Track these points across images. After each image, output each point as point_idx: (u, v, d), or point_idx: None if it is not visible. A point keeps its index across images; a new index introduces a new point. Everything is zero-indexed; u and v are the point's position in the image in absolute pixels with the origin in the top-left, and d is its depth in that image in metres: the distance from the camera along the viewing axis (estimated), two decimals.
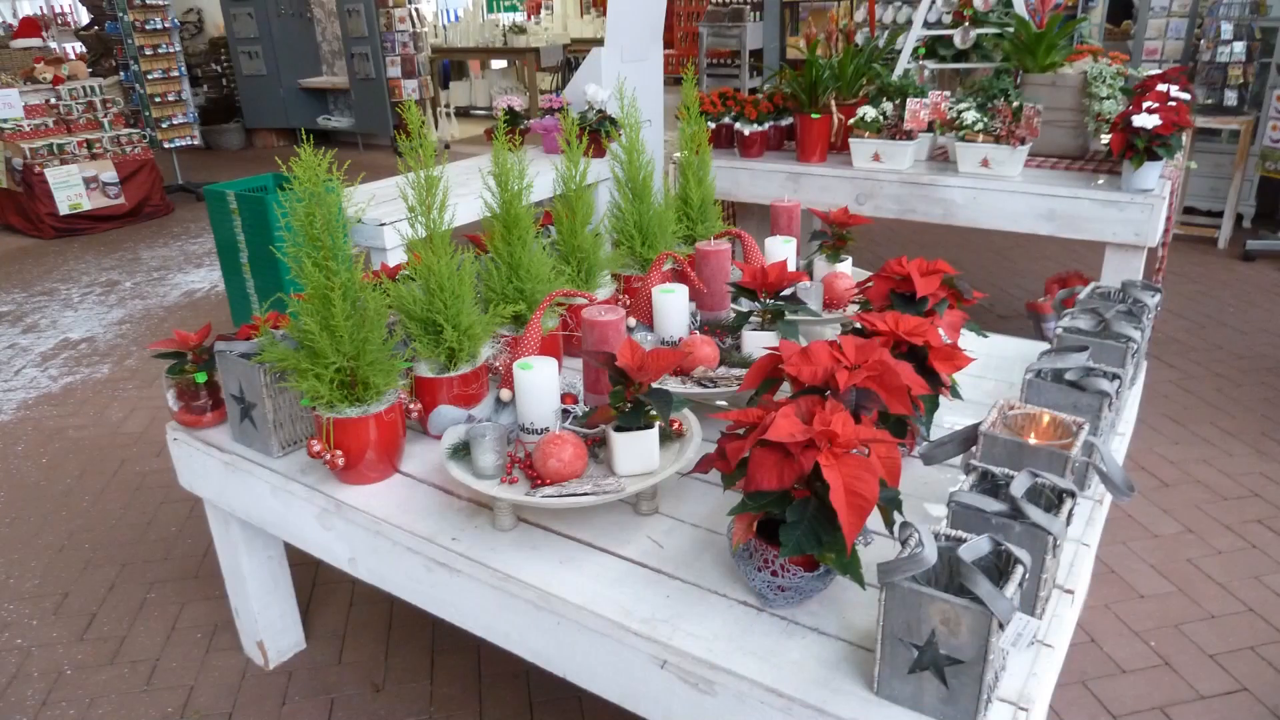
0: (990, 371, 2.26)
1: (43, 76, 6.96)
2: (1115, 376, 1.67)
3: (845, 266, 2.50)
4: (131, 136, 7.26)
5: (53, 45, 10.84)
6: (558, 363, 1.77)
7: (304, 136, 1.99)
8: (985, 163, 3.58)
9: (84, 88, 7.08)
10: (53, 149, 6.81)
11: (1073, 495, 1.33)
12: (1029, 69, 3.86)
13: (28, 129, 6.80)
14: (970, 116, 3.58)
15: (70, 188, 6.84)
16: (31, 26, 10.65)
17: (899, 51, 4.49)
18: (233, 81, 10.25)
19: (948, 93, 3.78)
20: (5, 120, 6.72)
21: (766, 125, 4.10)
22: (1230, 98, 5.58)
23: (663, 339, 2.11)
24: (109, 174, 7.03)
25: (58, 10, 13.92)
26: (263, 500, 1.96)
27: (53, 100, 6.95)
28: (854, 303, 2.36)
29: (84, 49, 10.65)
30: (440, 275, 1.87)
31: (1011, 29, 4.07)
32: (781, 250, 2.39)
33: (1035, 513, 1.27)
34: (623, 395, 1.63)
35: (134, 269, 6.07)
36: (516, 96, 5.29)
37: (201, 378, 2.02)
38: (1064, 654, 1.41)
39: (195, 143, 8.27)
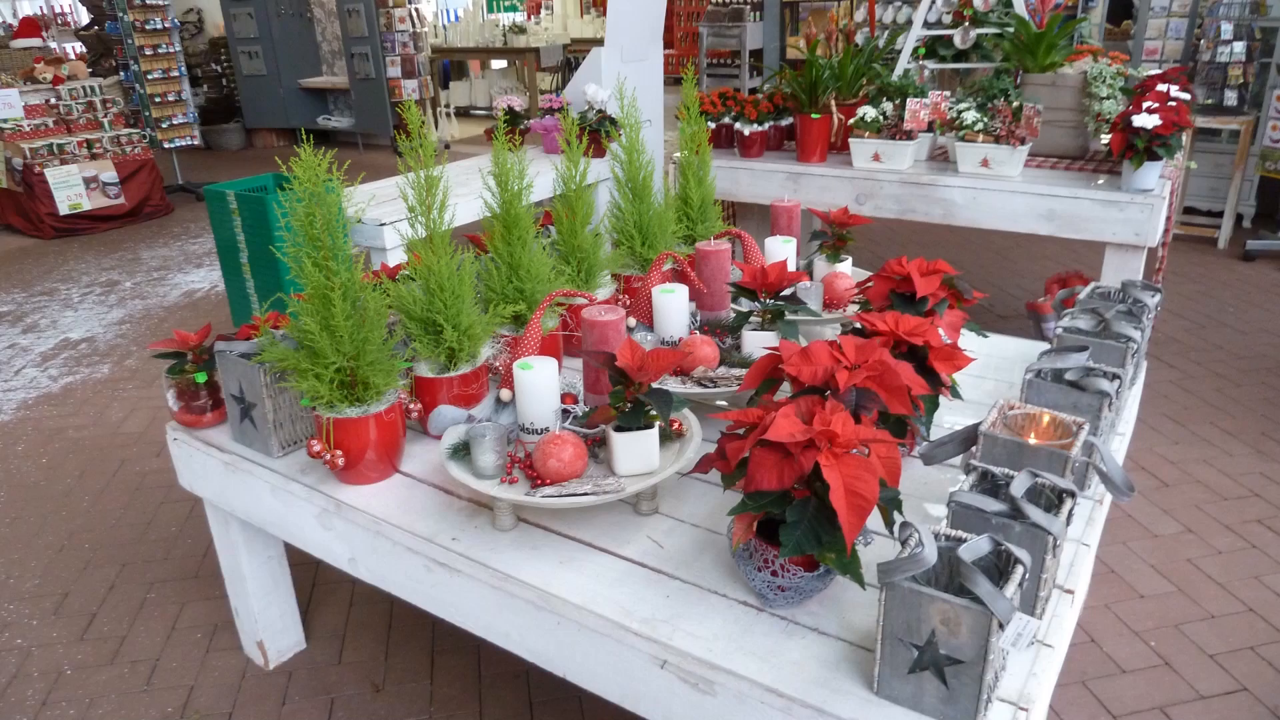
0: (990, 371, 2.26)
1: (43, 76, 6.96)
2: (1115, 376, 1.67)
3: (845, 266, 2.50)
4: (131, 136, 7.26)
5: (53, 45, 10.84)
6: (558, 363, 1.77)
7: (304, 136, 1.99)
8: (985, 163, 3.58)
9: (84, 88, 7.07)
10: (53, 149, 6.81)
11: (1073, 495, 1.33)
12: (1029, 69, 3.86)
13: (28, 129, 6.79)
14: (970, 116, 3.58)
15: (70, 188, 6.84)
16: (31, 26, 10.65)
17: (899, 51, 4.49)
18: (233, 81, 10.25)
19: (948, 93, 3.79)
20: (5, 120, 6.72)
21: (766, 125, 4.10)
22: (1230, 98, 5.58)
23: (663, 339, 2.11)
24: (109, 174, 7.03)
25: (58, 10, 13.92)
26: (263, 500, 1.96)
27: (53, 100, 6.95)
28: (854, 303, 2.36)
29: (84, 49, 10.65)
30: (440, 275, 1.87)
31: (1011, 29, 4.07)
32: (781, 250, 2.39)
33: (1035, 513, 1.27)
34: (623, 395, 1.63)
35: (134, 269, 6.07)
36: (516, 96, 5.29)
37: (201, 378, 2.02)
38: (1064, 654, 1.41)
39: (195, 143, 8.27)
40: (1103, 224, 3.35)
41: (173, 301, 5.42)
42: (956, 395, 1.79)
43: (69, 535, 3.08)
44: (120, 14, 7.75)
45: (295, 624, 2.47)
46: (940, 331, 1.68)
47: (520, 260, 2.08)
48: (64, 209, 6.83)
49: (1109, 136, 3.36)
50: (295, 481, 1.86)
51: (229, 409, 2.00)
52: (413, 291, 1.91)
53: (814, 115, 3.89)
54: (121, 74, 8.30)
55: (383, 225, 3.46)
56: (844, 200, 3.84)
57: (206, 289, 5.61)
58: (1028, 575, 1.20)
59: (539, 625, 1.51)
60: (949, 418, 2.01)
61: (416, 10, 9.03)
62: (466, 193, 3.74)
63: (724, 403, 2.00)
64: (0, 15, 13.96)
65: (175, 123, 8.04)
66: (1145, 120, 3.13)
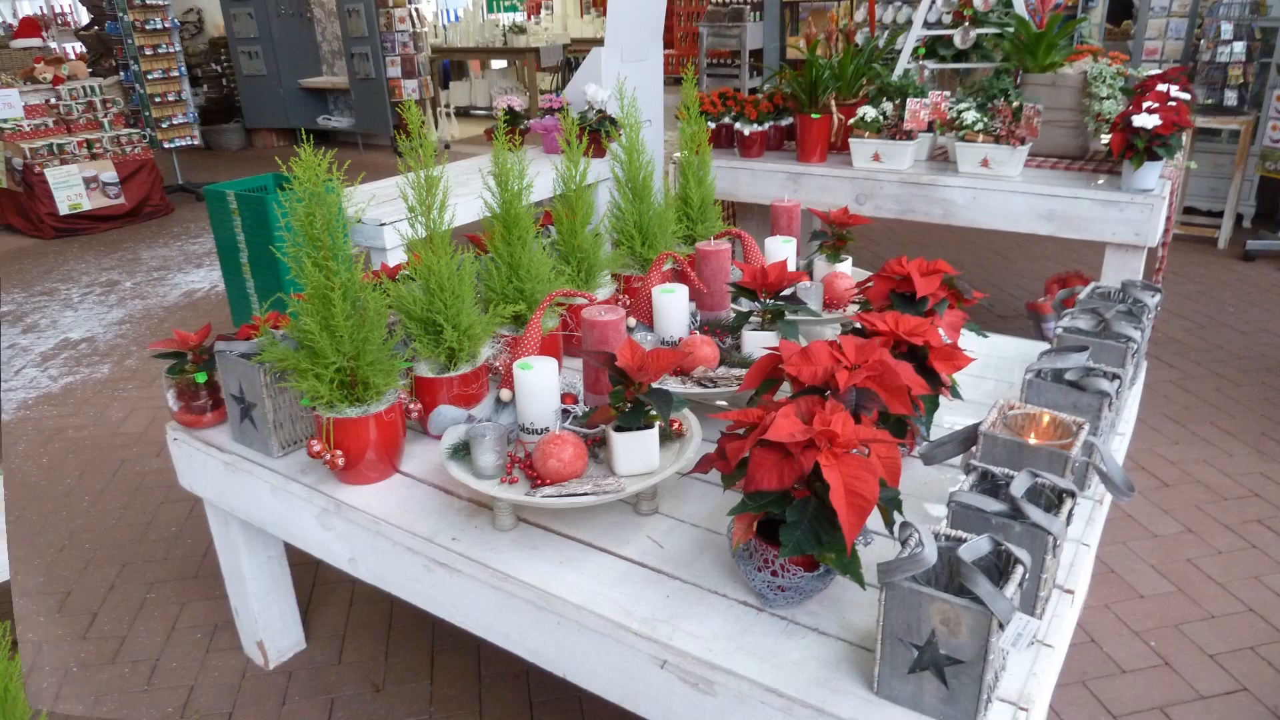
0: (990, 371, 2.26)
1: (43, 76, 6.96)
2: (1115, 376, 1.67)
3: (845, 266, 2.50)
4: (131, 136, 7.26)
5: (53, 45, 10.84)
6: (558, 363, 1.77)
7: (304, 136, 1.99)
8: (985, 163, 3.58)
9: (84, 88, 7.07)
10: (53, 149, 6.81)
11: (1073, 495, 1.33)
12: (1029, 69, 3.86)
13: (28, 129, 6.79)
14: (970, 116, 3.58)
15: (70, 188, 6.84)
16: (31, 26, 10.64)
17: (899, 51, 4.49)
18: (233, 81, 10.25)
19: (948, 93, 3.79)
20: (5, 120, 6.72)
21: (766, 125, 4.10)
22: (1230, 98, 5.58)
23: (663, 339, 2.11)
24: (109, 174, 7.03)
25: (58, 10, 13.92)
26: (263, 500, 1.96)
27: (53, 100, 6.95)
28: (854, 303, 2.36)
29: (84, 49, 10.65)
30: (440, 275, 1.87)
31: (1011, 29, 4.07)
32: (781, 250, 2.39)
33: (1035, 513, 1.27)
34: (623, 395, 1.63)
35: (134, 269, 6.07)
36: (516, 96, 5.29)
37: (201, 378, 2.02)
38: (1064, 654, 1.41)
39: (195, 143, 8.27)
40: (1103, 224, 3.35)
41: (173, 301, 5.42)
42: (956, 395, 1.79)
43: (69, 535, 3.08)
44: (120, 14, 7.75)
45: (295, 624, 2.47)
46: (940, 331, 1.68)
47: (520, 260, 2.08)
48: (64, 209, 6.83)
49: (1109, 136, 3.36)
50: (295, 481, 1.86)
51: (229, 409, 2.00)
52: (413, 291, 1.91)
53: (814, 115, 3.89)
54: (121, 74, 8.30)
55: (383, 225, 3.46)
56: (844, 200, 3.84)
57: (206, 289, 5.61)
58: (1028, 575, 1.20)
59: (539, 625, 1.51)
60: (949, 418, 2.01)
61: (416, 10, 9.03)
62: (466, 193, 3.74)
63: (724, 403, 2.00)
64: (0, 15, 13.96)
65: (175, 123, 8.04)
66: (1145, 120, 3.13)
